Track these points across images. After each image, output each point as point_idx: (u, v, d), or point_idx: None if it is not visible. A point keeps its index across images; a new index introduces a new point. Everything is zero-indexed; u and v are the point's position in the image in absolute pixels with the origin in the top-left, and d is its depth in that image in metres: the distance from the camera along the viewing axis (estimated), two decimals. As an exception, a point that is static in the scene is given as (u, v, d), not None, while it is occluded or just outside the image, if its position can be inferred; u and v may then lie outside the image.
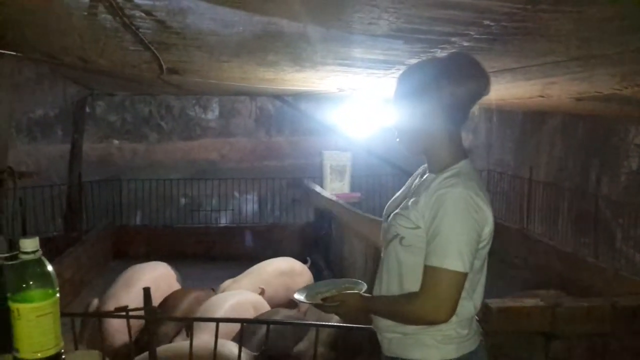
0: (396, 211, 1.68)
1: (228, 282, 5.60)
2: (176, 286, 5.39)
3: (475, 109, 1.69)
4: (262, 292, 5.29)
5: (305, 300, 1.83)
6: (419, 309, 1.56)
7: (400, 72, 1.75)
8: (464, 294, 1.57)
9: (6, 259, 1.19)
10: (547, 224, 7.44)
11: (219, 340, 2.67)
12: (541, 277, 6.75)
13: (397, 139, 1.73)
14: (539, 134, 7.99)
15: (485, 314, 2.88)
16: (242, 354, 2.68)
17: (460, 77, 1.59)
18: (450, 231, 1.53)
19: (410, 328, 1.64)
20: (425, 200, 1.59)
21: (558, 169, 7.51)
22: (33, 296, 1.13)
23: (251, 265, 7.22)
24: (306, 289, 1.93)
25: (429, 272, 1.55)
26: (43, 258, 1.17)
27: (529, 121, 8.23)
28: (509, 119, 8.79)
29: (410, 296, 1.60)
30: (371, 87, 4.16)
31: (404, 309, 1.61)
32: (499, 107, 7.03)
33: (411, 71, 1.70)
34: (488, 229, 1.59)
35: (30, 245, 1.15)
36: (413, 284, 1.61)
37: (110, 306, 3.98)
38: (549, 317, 3.04)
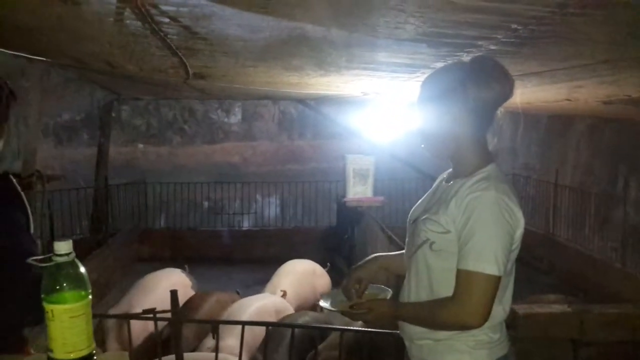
0: (425, 216, 1.66)
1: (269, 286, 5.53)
2: (191, 293, 5.31)
3: (499, 112, 1.68)
4: (284, 295, 5.28)
5: (332, 308, 1.82)
6: (453, 314, 1.55)
7: (425, 75, 1.74)
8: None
9: (40, 261, 1.21)
10: (574, 228, 7.32)
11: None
12: (567, 282, 6.65)
13: (422, 144, 1.72)
14: (565, 137, 7.88)
15: (512, 320, 2.85)
16: None
17: (486, 80, 1.58)
18: (484, 234, 1.52)
19: (442, 334, 1.62)
20: (457, 205, 1.58)
21: (584, 173, 7.39)
22: (67, 298, 1.15)
23: (272, 270, 7.24)
24: (330, 296, 1.92)
25: (463, 276, 1.53)
26: (77, 260, 1.19)
27: (554, 124, 8.12)
28: (534, 122, 8.68)
29: (444, 301, 1.59)
30: (395, 91, 4.15)
31: (437, 315, 1.59)
32: (524, 111, 6.94)
33: (436, 75, 1.70)
34: (519, 231, 1.59)
35: (64, 247, 1.17)
36: (443, 289, 1.60)
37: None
38: (577, 324, 2.99)
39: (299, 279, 5.60)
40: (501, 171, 1.67)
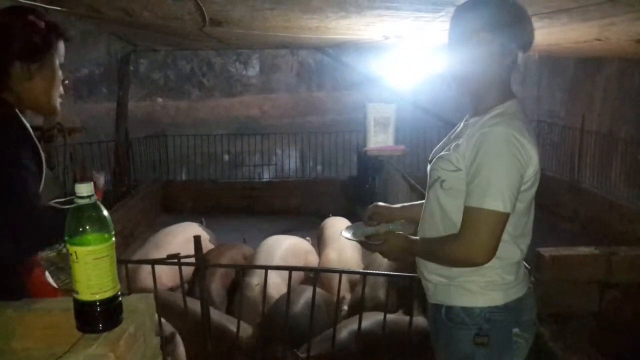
0: (439, 154, 1.65)
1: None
2: (209, 247, 5.28)
3: (521, 58, 1.62)
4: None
5: (350, 237, 1.87)
6: (457, 249, 1.53)
7: (450, 15, 1.67)
8: (506, 237, 1.54)
9: (62, 203, 1.19)
10: (599, 175, 7.19)
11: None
12: (591, 229, 6.58)
13: (452, 81, 1.67)
14: (592, 82, 7.65)
15: (538, 263, 2.82)
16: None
17: (512, 21, 1.57)
18: (490, 170, 1.48)
19: (454, 272, 1.61)
20: (467, 141, 1.56)
21: (612, 118, 7.20)
22: (90, 240, 1.13)
23: (294, 220, 7.23)
24: (352, 228, 1.96)
25: (469, 213, 1.51)
26: (98, 202, 1.17)
27: (581, 69, 7.88)
28: (559, 67, 8.43)
29: (450, 237, 1.58)
30: (418, 34, 4.02)
31: (444, 250, 1.58)
32: (550, 54, 6.74)
33: (467, 10, 1.63)
34: (532, 169, 1.53)
35: (85, 189, 1.15)
36: (453, 227, 1.58)
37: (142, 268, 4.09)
38: (604, 266, 2.97)
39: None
40: (521, 108, 1.62)
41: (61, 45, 1.61)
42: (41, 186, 1.47)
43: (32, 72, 1.53)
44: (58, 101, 1.62)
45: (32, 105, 1.58)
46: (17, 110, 1.52)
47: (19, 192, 1.39)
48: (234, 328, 2.82)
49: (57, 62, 1.59)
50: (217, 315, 3.23)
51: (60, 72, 1.60)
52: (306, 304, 3.30)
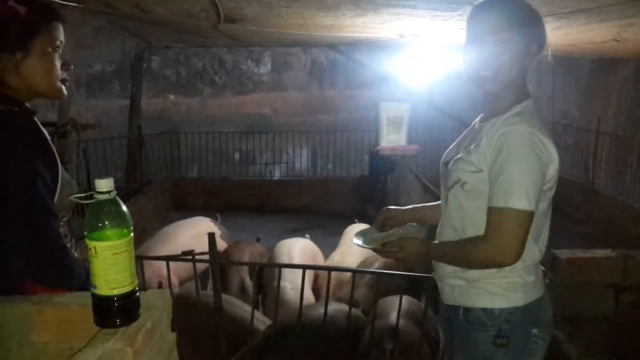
0: (457, 156, 1.62)
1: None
2: (221, 242, 5.21)
3: (537, 58, 1.62)
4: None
5: (364, 245, 1.80)
6: (485, 252, 1.51)
7: (467, 14, 1.65)
8: (529, 237, 1.51)
9: (82, 198, 1.19)
10: (614, 178, 7.12)
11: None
12: (604, 232, 6.52)
13: (467, 83, 1.65)
14: (607, 83, 7.57)
15: (553, 265, 2.80)
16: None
17: (530, 21, 1.58)
18: (514, 169, 1.46)
19: (474, 274, 1.59)
20: (488, 141, 1.53)
21: (628, 120, 7.12)
22: (109, 235, 1.13)
23: (305, 219, 7.18)
24: (363, 234, 1.89)
25: (494, 213, 1.49)
26: (118, 198, 1.17)
27: (596, 70, 7.81)
28: (574, 69, 8.35)
29: (476, 239, 1.55)
30: (434, 32, 3.99)
31: (470, 253, 1.55)
32: (567, 54, 6.67)
33: (485, 10, 1.60)
34: (553, 167, 1.52)
35: (105, 185, 1.15)
36: (476, 229, 1.56)
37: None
38: (620, 269, 2.94)
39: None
40: (537, 108, 1.61)
41: (54, 28, 1.48)
42: (57, 195, 1.43)
43: (18, 61, 1.43)
44: (60, 85, 1.51)
45: (31, 94, 1.49)
46: (35, 118, 1.46)
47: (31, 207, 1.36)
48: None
49: (48, 47, 1.47)
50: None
51: (55, 56, 1.49)
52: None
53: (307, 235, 5.69)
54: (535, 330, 1.59)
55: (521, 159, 1.47)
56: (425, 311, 2.79)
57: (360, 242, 1.82)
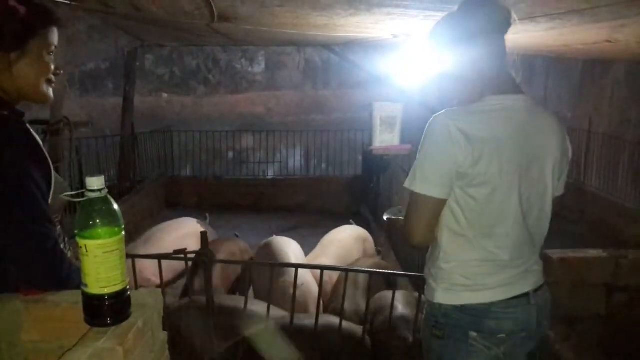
0: None
1: (310, 256, 5.38)
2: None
3: (515, 56, 1.65)
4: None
5: (391, 216, 2.07)
6: (403, 227, 1.62)
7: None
8: (458, 229, 1.54)
9: (73, 196, 1.19)
10: (606, 178, 7.15)
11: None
12: (596, 232, 6.55)
13: (440, 88, 1.72)
14: (599, 84, 7.61)
15: (546, 265, 2.80)
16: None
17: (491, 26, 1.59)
18: (419, 155, 1.54)
19: (428, 269, 1.67)
20: None
21: (620, 121, 7.16)
22: (100, 233, 1.13)
23: (297, 218, 7.19)
24: (393, 209, 2.16)
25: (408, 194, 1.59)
26: (109, 196, 1.16)
27: (588, 70, 7.83)
28: (566, 69, 8.38)
29: None
30: (427, 32, 4.00)
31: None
32: (559, 55, 6.69)
33: (451, 22, 1.69)
34: (472, 158, 1.48)
35: (96, 183, 1.14)
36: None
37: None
38: (612, 269, 2.95)
39: (344, 246, 5.41)
40: (508, 105, 1.56)
41: (51, 32, 1.47)
42: (50, 199, 1.40)
43: (12, 61, 1.41)
44: (47, 89, 1.49)
45: (18, 96, 1.46)
46: (28, 125, 1.42)
47: (26, 213, 1.33)
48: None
49: (43, 50, 1.45)
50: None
51: (49, 60, 1.47)
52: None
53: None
54: (474, 334, 1.56)
55: (427, 146, 1.53)
56: (418, 309, 2.80)
57: (388, 215, 2.09)
